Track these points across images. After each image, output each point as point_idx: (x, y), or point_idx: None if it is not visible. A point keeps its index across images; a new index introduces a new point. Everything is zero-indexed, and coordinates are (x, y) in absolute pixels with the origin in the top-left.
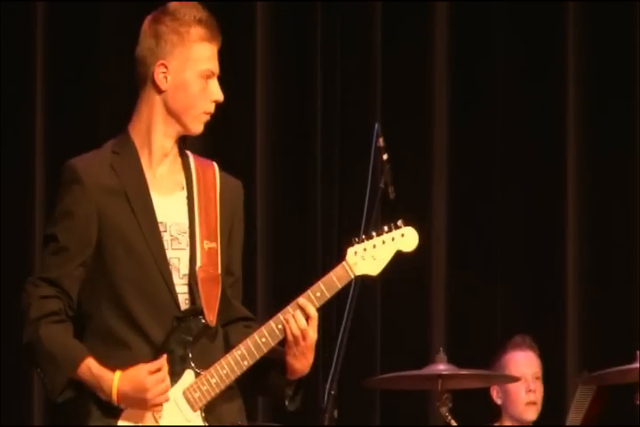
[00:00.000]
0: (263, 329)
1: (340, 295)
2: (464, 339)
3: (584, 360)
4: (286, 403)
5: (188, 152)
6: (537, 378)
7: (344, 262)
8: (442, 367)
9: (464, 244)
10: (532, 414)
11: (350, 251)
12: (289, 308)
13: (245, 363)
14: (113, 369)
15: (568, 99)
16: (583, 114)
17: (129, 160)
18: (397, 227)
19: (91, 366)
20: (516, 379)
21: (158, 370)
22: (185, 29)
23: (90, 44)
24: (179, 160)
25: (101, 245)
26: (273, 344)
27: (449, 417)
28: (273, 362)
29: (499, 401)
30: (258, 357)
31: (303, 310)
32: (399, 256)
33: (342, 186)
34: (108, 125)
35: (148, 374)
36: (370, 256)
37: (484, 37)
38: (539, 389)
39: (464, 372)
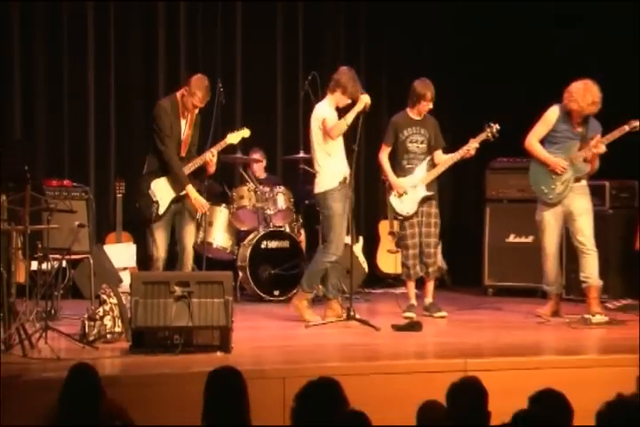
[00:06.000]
0: None
1: None
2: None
3: None
4: None
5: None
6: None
7: (226, 138)
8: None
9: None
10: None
11: (229, 135)
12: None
13: None
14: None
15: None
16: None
17: (175, 106)
18: (242, 128)
19: (190, 184)
20: (250, 160)
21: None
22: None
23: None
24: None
25: (171, 135)
26: None
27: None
28: None
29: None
30: None
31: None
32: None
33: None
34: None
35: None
36: (233, 138)
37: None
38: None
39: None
